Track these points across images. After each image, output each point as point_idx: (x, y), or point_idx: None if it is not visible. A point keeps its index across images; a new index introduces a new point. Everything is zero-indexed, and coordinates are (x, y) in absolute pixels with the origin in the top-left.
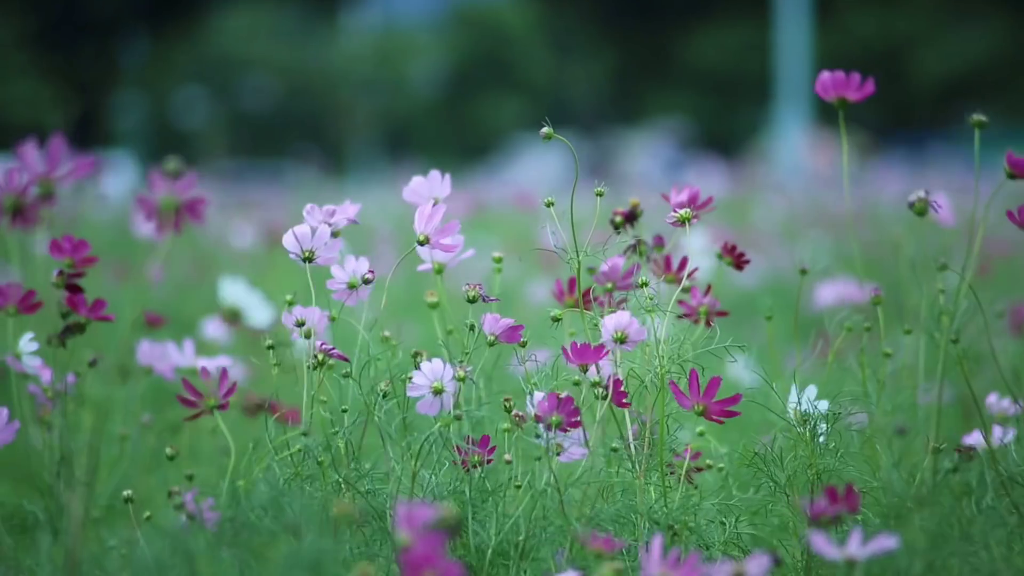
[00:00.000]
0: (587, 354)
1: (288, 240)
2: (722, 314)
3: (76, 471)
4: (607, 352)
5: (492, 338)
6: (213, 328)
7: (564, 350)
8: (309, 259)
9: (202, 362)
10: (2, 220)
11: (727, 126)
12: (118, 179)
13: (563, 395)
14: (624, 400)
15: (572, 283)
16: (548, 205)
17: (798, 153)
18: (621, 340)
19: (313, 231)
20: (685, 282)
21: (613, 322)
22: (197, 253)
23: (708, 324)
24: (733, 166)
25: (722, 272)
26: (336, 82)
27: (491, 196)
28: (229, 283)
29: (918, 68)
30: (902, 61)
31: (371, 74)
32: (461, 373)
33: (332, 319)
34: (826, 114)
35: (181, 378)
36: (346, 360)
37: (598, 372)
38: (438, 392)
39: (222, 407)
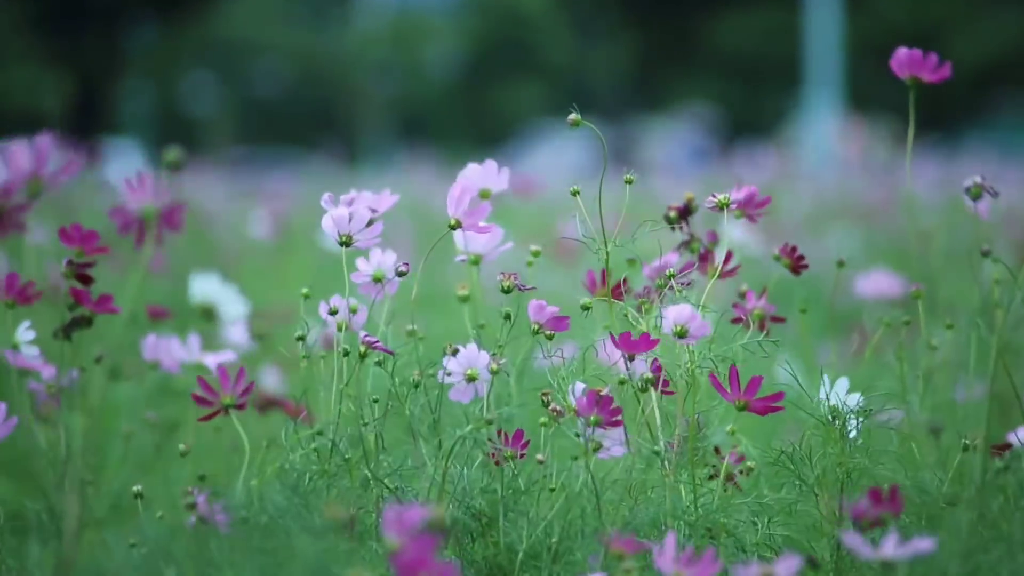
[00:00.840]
0: (637, 344)
1: (327, 224)
2: (778, 320)
3: (76, 470)
4: (656, 342)
5: (536, 326)
6: (237, 332)
7: (613, 337)
8: (347, 243)
9: (208, 358)
10: None
11: (754, 112)
12: (123, 167)
13: (603, 392)
14: (667, 390)
15: (604, 275)
16: (574, 194)
17: (828, 141)
18: (682, 334)
19: (351, 215)
20: (740, 286)
21: (674, 315)
22: (205, 244)
23: (762, 328)
24: (760, 154)
25: (750, 263)
26: (349, 67)
27: (513, 184)
28: (201, 279)
29: (951, 54)
30: (935, 46)
31: (385, 58)
32: (495, 366)
33: (352, 311)
34: (857, 101)
35: (192, 375)
36: (391, 353)
37: (627, 368)
38: (472, 379)
39: (239, 406)
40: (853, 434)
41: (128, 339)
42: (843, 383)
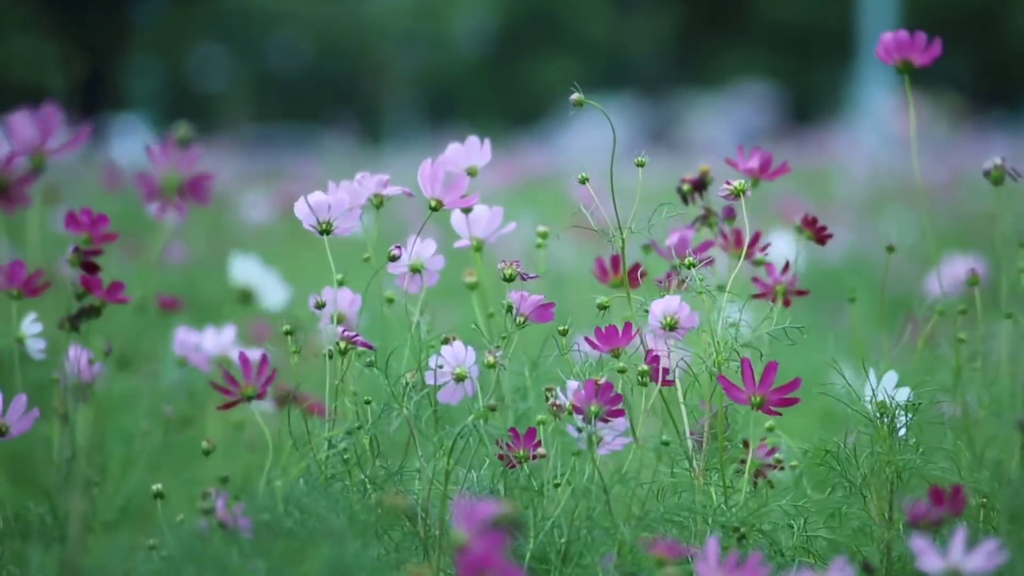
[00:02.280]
0: (614, 338)
1: (301, 209)
2: (801, 293)
3: (81, 471)
4: (635, 336)
5: (522, 319)
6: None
7: (587, 340)
8: (327, 231)
9: (236, 350)
10: None
11: (804, 88)
12: (130, 145)
13: (602, 381)
14: (668, 380)
15: (616, 261)
16: (582, 182)
17: (884, 118)
18: (671, 327)
19: (330, 200)
20: (758, 256)
21: (662, 307)
22: (217, 229)
23: (786, 304)
24: (811, 133)
25: (803, 248)
26: (371, 39)
27: (539, 166)
28: (241, 261)
29: (1015, 24)
30: (998, 17)
31: (410, 30)
32: (491, 359)
33: (389, 301)
34: (915, 75)
35: (215, 368)
36: (370, 348)
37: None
38: (460, 378)
39: (259, 396)
40: (903, 431)
41: (137, 330)
42: (891, 377)
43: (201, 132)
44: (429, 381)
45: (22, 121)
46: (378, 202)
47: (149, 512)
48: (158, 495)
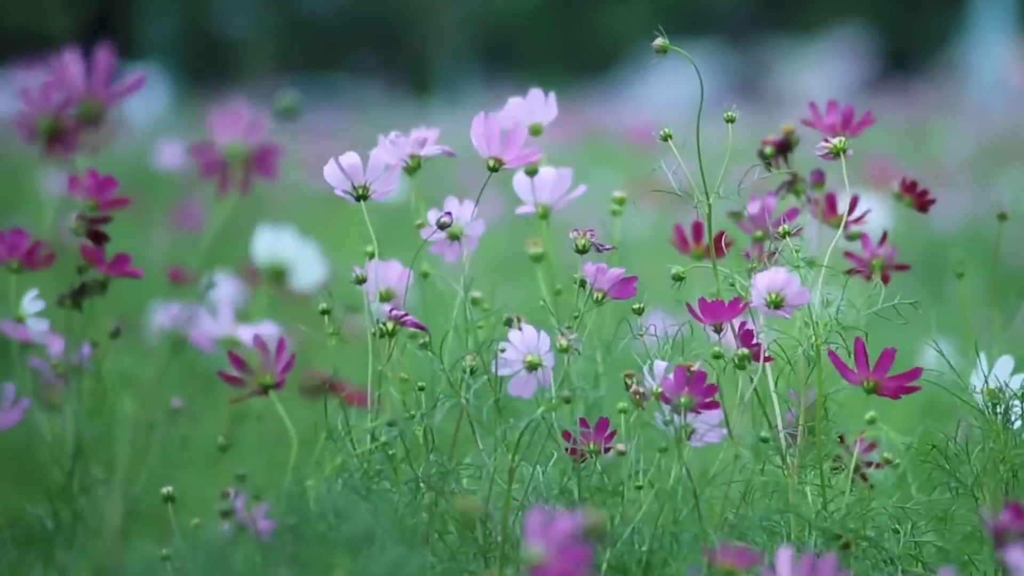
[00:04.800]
0: (720, 311)
1: (331, 172)
2: (902, 268)
3: (95, 468)
4: (744, 307)
5: (599, 295)
6: (227, 287)
7: (689, 308)
8: (363, 196)
9: (244, 331)
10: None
11: (907, 33)
12: (145, 100)
13: (695, 368)
14: (766, 359)
15: (698, 229)
16: (664, 139)
17: (1000, 68)
18: (776, 304)
19: (364, 161)
20: (853, 229)
21: (766, 281)
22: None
23: (884, 280)
24: (916, 85)
25: (904, 216)
26: None
27: (610, 122)
28: (269, 234)
29: None
30: None
31: None
32: (564, 342)
33: (424, 275)
34: None
35: (226, 351)
36: (423, 329)
37: (737, 339)
38: (533, 367)
39: (277, 385)
40: (1018, 424)
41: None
42: (1006, 362)
43: (223, 85)
44: (500, 372)
45: (72, 62)
46: (415, 164)
47: (160, 515)
48: (169, 498)
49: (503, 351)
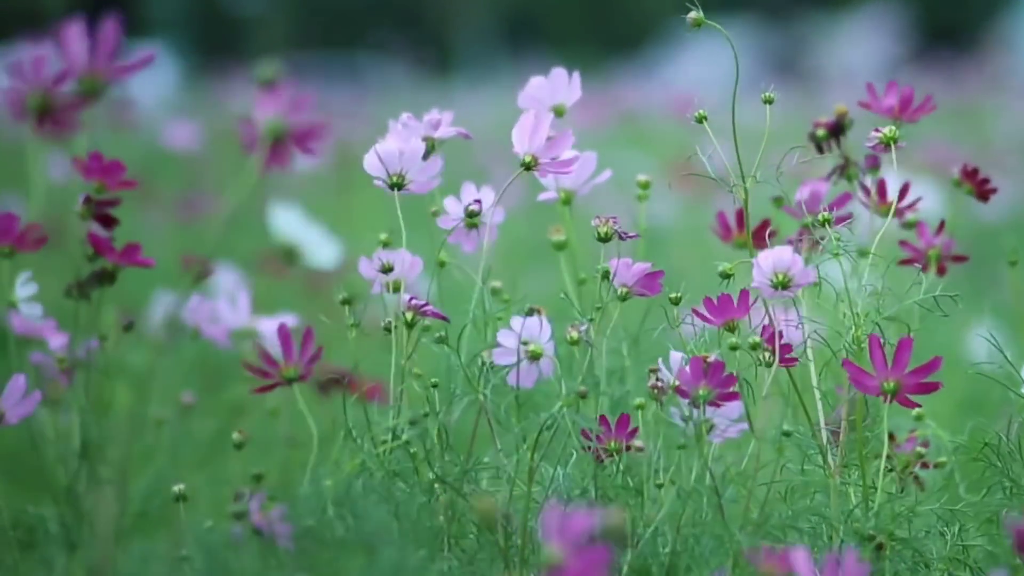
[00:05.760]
0: (728, 308)
1: (371, 163)
2: (960, 259)
3: (102, 467)
4: (754, 304)
5: (624, 291)
6: (226, 278)
7: (695, 312)
8: (399, 186)
9: (264, 322)
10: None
11: (954, 8)
12: (152, 79)
13: (711, 359)
14: (790, 359)
15: (741, 216)
16: (699, 120)
17: None
18: (783, 285)
19: (401, 149)
20: (909, 215)
21: (771, 261)
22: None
23: (940, 272)
24: (961, 61)
25: (952, 202)
26: None
27: (642, 102)
28: (282, 212)
29: None
30: None
31: None
32: (574, 335)
33: (441, 264)
34: None
35: (241, 344)
36: (444, 319)
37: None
38: (535, 357)
39: (302, 377)
40: None
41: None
42: None
43: (234, 62)
44: (495, 360)
45: (74, 34)
46: (430, 147)
47: (170, 516)
48: (180, 497)
49: (502, 344)
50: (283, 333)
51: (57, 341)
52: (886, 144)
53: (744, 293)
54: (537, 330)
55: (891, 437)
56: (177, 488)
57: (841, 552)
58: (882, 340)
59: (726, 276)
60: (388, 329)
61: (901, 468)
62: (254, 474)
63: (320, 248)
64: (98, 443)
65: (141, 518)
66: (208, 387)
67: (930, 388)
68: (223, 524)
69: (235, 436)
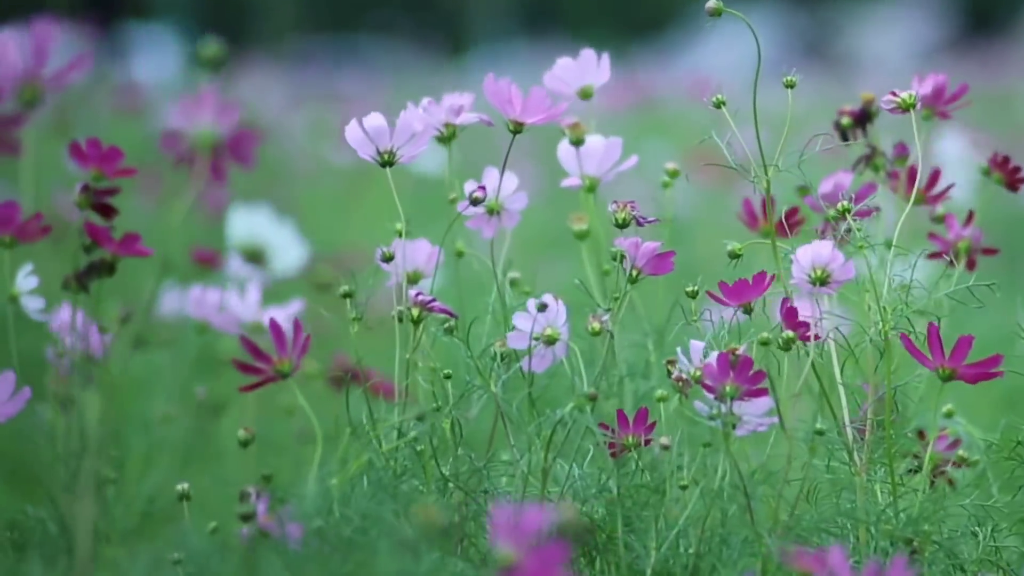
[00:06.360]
0: (744, 290)
1: (352, 133)
2: (990, 252)
3: (91, 467)
4: (770, 282)
5: (635, 271)
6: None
7: (711, 294)
8: (389, 163)
9: (271, 313)
10: None
11: None
12: (155, 62)
13: (739, 352)
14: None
15: (764, 205)
16: (717, 105)
17: None
18: (821, 281)
19: (391, 123)
20: (938, 207)
21: (809, 255)
22: (263, 167)
23: (970, 265)
24: (999, 47)
25: (982, 190)
26: None
27: (663, 87)
28: (243, 213)
29: None
30: None
31: None
32: (596, 325)
33: (459, 254)
34: None
35: (239, 337)
36: (451, 315)
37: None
38: (551, 342)
39: (294, 371)
40: None
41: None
42: None
43: (241, 47)
44: (511, 344)
45: (7, 42)
46: (450, 132)
47: (175, 517)
48: (184, 497)
49: (518, 327)
50: (274, 327)
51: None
52: (904, 109)
53: (761, 273)
54: (553, 314)
55: (920, 434)
56: (181, 487)
57: (876, 554)
58: (912, 333)
59: (735, 256)
60: (400, 319)
61: (931, 467)
62: (264, 474)
63: (287, 250)
64: (98, 443)
65: (146, 519)
66: (223, 383)
67: (986, 376)
68: (230, 525)
69: (241, 434)
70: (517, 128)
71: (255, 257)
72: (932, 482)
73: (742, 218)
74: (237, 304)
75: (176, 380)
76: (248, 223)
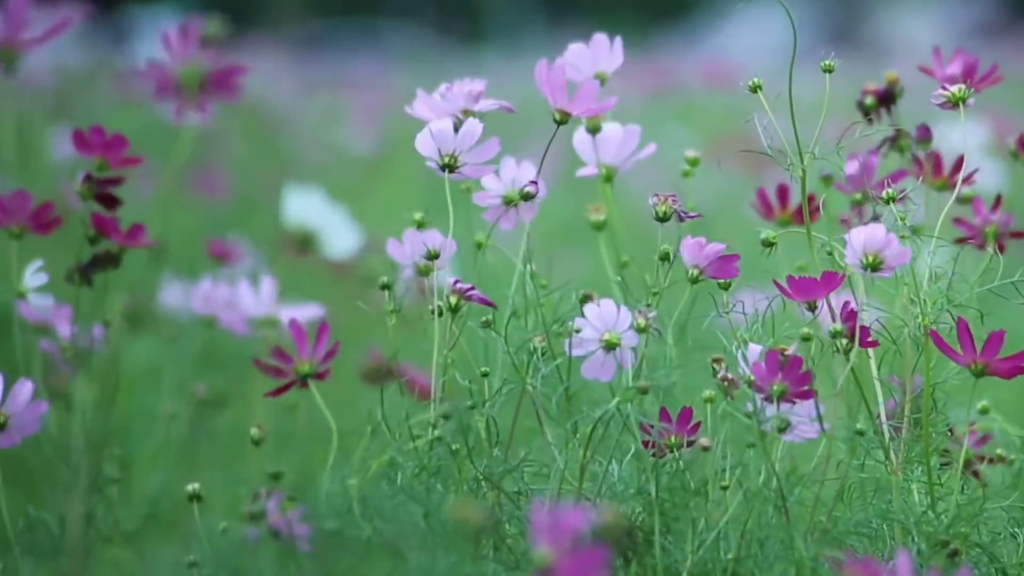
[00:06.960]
0: (812, 288)
1: (423, 142)
2: (1020, 235)
3: (87, 462)
4: (841, 281)
5: (696, 272)
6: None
7: (777, 284)
8: (451, 167)
9: (287, 311)
10: None
11: None
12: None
13: (788, 352)
14: (871, 342)
15: (783, 192)
16: (753, 89)
17: None
18: (874, 266)
19: (456, 126)
20: (963, 190)
21: (862, 239)
22: (271, 155)
23: (999, 249)
24: None
25: (1016, 176)
26: None
27: (686, 73)
28: (299, 195)
29: None
30: None
31: None
32: (642, 321)
33: (479, 246)
34: None
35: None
36: (491, 305)
37: (835, 317)
38: (611, 347)
39: (319, 375)
40: None
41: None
42: None
43: (247, 31)
44: (575, 352)
45: None
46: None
47: (182, 518)
48: (195, 496)
49: (578, 330)
50: (295, 328)
51: (64, 330)
52: (954, 104)
53: (830, 273)
54: (615, 318)
55: (951, 431)
56: (192, 487)
57: (916, 557)
58: (950, 327)
59: (768, 245)
60: (439, 313)
61: (964, 465)
62: (272, 473)
63: (340, 235)
64: (98, 440)
65: (150, 520)
66: (233, 379)
67: (1020, 371)
68: (238, 525)
69: (253, 432)
70: (564, 118)
71: (306, 241)
72: (964, 482)
73: (757, 207)
74: (250, 298)
75: (180, 376)
76: (301, 207)
